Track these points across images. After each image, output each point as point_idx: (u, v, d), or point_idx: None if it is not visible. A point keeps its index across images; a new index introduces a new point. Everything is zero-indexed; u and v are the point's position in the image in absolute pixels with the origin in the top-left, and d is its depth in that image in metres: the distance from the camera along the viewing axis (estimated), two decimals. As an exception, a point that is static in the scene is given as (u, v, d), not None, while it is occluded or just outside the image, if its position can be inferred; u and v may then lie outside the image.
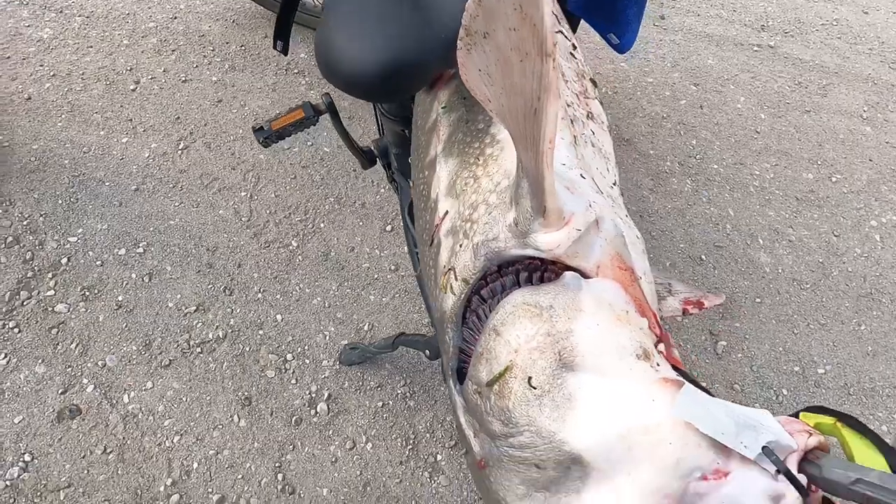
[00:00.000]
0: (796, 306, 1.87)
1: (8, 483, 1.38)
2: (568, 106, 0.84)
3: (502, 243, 0.70)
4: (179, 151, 1.94)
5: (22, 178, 1.81)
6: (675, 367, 0.71)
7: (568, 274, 0.67)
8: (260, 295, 1.70)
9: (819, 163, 2.21)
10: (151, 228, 1.78)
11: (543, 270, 0.70)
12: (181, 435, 1.48)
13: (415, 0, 0.82)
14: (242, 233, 1.80)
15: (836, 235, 2.03)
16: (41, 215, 1.75)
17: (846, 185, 2.16)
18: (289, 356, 1.61)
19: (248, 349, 1.61)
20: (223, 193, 1.87)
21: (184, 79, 2.11)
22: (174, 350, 1.59)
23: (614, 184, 0.83)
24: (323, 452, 1.49)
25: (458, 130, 0.87)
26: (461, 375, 0.77)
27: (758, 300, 1.89)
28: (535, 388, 0.63)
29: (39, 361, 1.53)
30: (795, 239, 2.01)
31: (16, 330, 1.56)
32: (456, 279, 0.74)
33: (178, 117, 2.01)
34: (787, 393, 1.71)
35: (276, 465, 1.47)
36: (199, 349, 1.60)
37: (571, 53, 0.95)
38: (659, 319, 0.71)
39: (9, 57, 2.06)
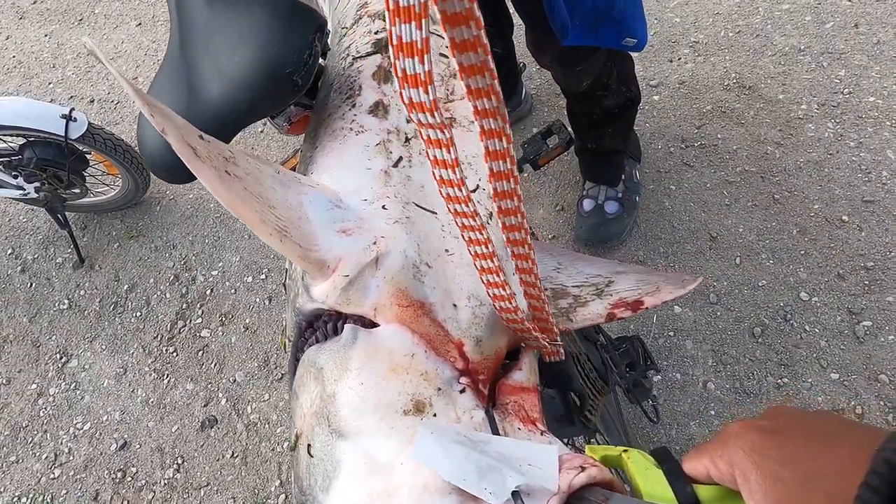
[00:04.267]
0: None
1: (166, 481, 1.71)
2: (408, 122, 0.79)
3: (300, 299, 0.71)
4: (295, 181, 2.16)
5: (181, 224, 2.18)
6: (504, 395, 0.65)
7: (346, 327, 0.65)
8: (356, 308, 1.84)
9: None
10: (272, 255, 2.02)
11: (344, 319, 0.69)
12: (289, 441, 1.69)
13: (189, 84, 0.85)
14: (344, 250, 1.96)
15: None
16: (193, 255, 2.10)
17: None
18: (379, 365, 1.72)
19: (344, 360, 1.76)
20: (329, 215, 2.05)
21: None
22: (286, 365, 1.80)
23: (474, 190, 0.76)
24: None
25: None
26: None
27: (923, 264, 1.50)
28: (313, 457, 0.63)
29: (189, 379, 1.86)
30: (985, 178, 1.55)
31: (174, 354, 1.91)
32: (286, 338, 0.77)
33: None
34: (954, 384, 1.35)
35: (364, 468, 1.59)
36: (305, 363, 1.79)
37: (442, 54, 0.88)
38: (467, 349, 0.65)
39: (175, 121, 2.48)
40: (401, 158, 0.75)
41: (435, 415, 0.59)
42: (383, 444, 0.57)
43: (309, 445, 0.63)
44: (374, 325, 0.66)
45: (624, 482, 0.55)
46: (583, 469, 0.50)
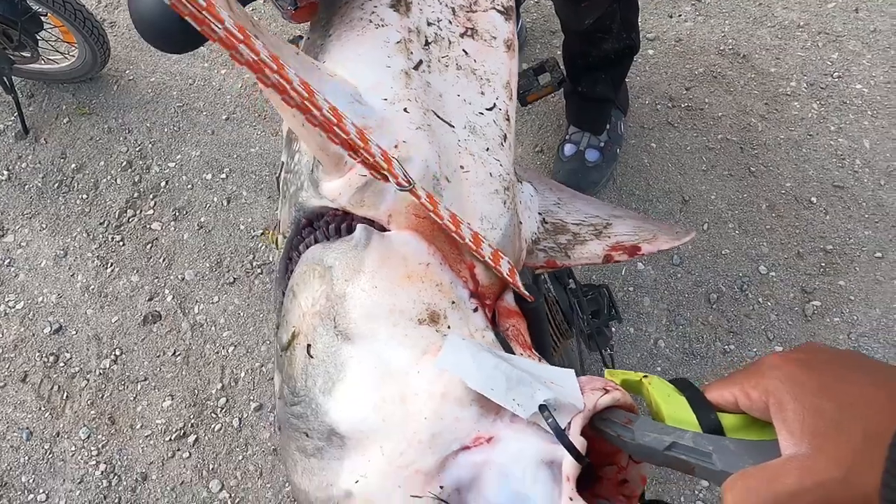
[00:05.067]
0: (927, 265, 1.51)
1: (101, 371, 1.66)
2: (429, 25, 0.74)
3: (304, 193, 0.67)
4: (268, 81, 2.05)
5: (140, 108, 2.05)
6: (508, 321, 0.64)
7: (359, 227, 0.62)
8: (319, 222, 1.78)
9: None
10: (235, 156, 1.93)
11: (350, 221, 0.65)
12: (235, 346, 1.65)
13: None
14: (312, 161, 1.88)
15: None
16: (150, 142, 1.98)
17: None
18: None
19: (300, 273, 1.72)
20: (300, 122, 1.96)
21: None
22: (239, 269, 1.75)
23: (491, 108, 0.72)
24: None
25: None
26: None
27: (878, 255, 1.56)
28: (312, 358, 0.61)
29: (135, 271, 1.78)
30: (949, 180, 1.60)
31: (121, 243, 1.83)
32: (279, 233, 0.73)
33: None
34: None
35: (310, 382, 1.58)
36: (259, 270, 1.74)
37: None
38: (478, 271, 0.63)
39: (141, -4, 2.30)
40: (420, 62, 0.70)
41: (449, 327, 0.58)
42: (397, 351, 0.55)
43: (308, 346, 0.61)
44: (383, 230, 0.63)
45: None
46: (606, 391, 0.49)
